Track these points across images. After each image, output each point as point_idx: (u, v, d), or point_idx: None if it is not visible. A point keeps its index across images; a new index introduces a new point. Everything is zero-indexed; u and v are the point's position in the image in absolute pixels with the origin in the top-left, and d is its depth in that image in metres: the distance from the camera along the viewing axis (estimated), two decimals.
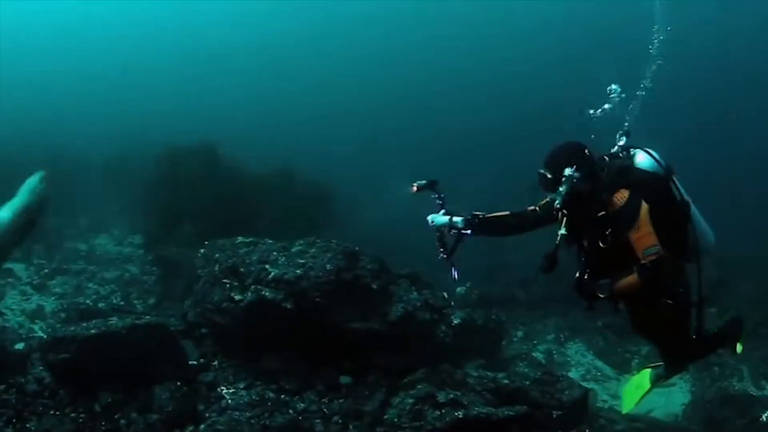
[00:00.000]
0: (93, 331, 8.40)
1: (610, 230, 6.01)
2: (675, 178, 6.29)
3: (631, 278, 5.93)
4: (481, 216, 6.64)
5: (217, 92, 49.34)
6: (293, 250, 9.64)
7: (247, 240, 10.08)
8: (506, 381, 9.06)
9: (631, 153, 6.38)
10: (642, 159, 6.25)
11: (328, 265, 9.26)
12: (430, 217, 6.68)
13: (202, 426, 7.88)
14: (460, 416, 7.91)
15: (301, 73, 55.84)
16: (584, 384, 14.32)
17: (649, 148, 6.39)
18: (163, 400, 8.17)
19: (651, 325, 6.58)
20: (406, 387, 8.51)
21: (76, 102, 37.23)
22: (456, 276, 6.77)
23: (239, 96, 48.68)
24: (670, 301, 6.16)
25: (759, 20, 45.40)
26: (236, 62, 57.44)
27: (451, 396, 8.17)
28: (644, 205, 6.01)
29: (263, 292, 8.98)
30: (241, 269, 9.41)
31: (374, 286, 9.60)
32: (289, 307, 8.92)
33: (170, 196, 15.38)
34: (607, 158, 6.34)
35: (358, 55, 58.04)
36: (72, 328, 8.69)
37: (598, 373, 15.92)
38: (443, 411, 7.96)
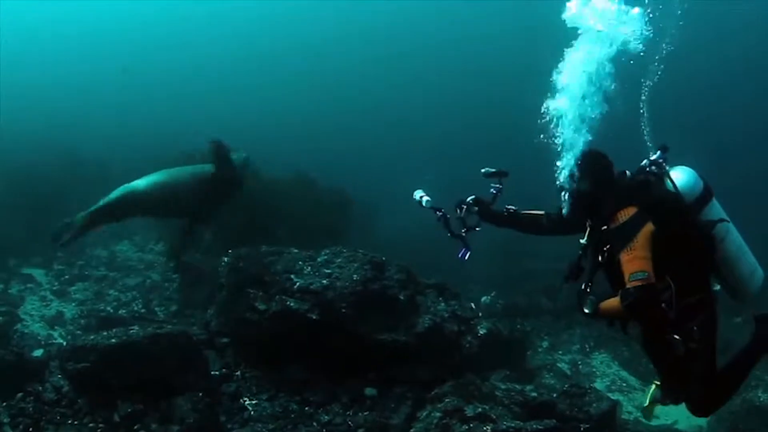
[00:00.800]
0: (113, 340, 8.28)
1: (607, 246, 5.75)
2: (712, 203, 5.91)
3: (614, 302, 5.56)
4: (512, 210, 6.67)
5: (232, 97, 49.44)
6: (319, 259, 9.56)
7: (272, 249, 9.96)
8: (534, 394, 8.96)
9: (666, 169, 5.98)
10: (677, 176, 5.85)
11: (355, 276, 9.18)
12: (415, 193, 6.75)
13: None
14: (489, 431, 7.80)
15: (318, 77, 55.99)
16: (610, 395, 14.32)
17: (688, 164, 6.01)
18: (184, 411, 8.01)
19: (657, 357, 6.15)
20: (433, 400, 8.42)
21: (93, 106, 37.25)
22: (464, 256, 6.69)
23: (254, 101, 48.82)
24: (677, 337, 5.67)
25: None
26: (250, 67, 57.60)
27: (479, 410, 8.04)
28: (648, 227, 5.61)
29: (288, 303, 8.91)
30: (266, 278, 9.32)
31: (401, 297, 9.50)
32: (314, 317, 8.86)
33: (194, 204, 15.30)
34: (628, 173, 6.08)
35: (373, 57, 58.07)
36: (92, 337, 8.54)
37: (624, 384, 15.81)
38: (471, 425, 7.85)
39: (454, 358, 9.88)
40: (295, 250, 9.94)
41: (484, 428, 7.85)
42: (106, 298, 14.55)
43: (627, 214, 5.61)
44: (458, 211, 6.73)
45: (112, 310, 13.38)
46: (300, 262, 9.46)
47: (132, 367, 8.21)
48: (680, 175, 5.87)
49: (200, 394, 8.31)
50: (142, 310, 13.68)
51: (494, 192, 6.66)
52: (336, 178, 18.78)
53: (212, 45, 60.66)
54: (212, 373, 9.25)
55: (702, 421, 13.83)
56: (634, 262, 5.46)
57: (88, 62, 51.43)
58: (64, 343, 9.81)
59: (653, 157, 6.13)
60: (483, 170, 6.67)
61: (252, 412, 8.56)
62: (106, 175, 22.45)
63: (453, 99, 48.50)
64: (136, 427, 7.80)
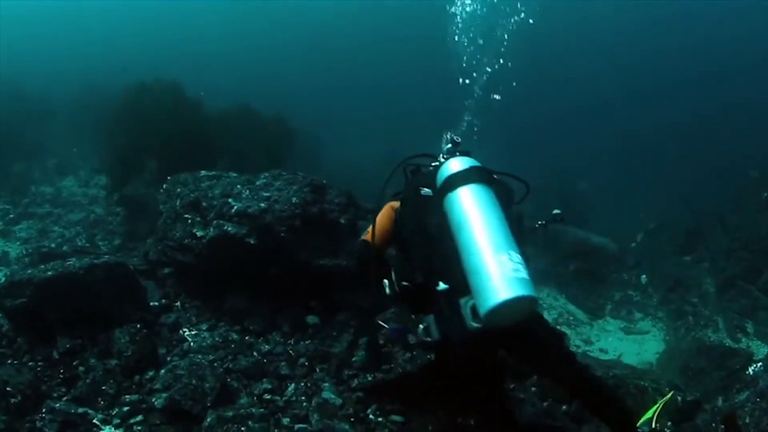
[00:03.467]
0: (50, 273, 8.00)
1: None
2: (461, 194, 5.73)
3: None
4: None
5: (184, 32, 49.66)
6: (258, 183, 9.25)
7: (211, 173, 9.68)
8: None
9: (446, 159, 6.19)
10: (450, 164, 5.95)
11: (294, 198, 8.91)
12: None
13: (162, 371, 7.49)
14: (431, 359, 7.64)
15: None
16: (557, 328, 14.29)
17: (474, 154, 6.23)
18: (122, 344, 7.75)
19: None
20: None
21: (37, 42, 36.89)
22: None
23: (205, 36, 49.08)
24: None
25: None
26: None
27: None
28: (393, 203, 6.40)
29: (226, 227, 8.61)
30: (204, 204, 9.03)
31: (342, 221, 9.24)
32: (252, 242, 8.57)
33: (135, 134, 15.18)
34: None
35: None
36: (29, 272, 8.23)
37: (571, 318, 16.01)
38: (414, 353, 7.75)
39: None
40: (234, 174, 9.64)
41: (428, 356, 7.71)
42: (50, 235, 14.41)
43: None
44: None
45: (55, 247, 13.09)
46: (238, 186, 9.15)
47: (69, 299, 7.96)
48: (453, 164, 5.95)
49: (138, 325, 8.04)
50: (86, 245, 13.44)
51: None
52: (287, 113, 18.86)
53: None
54: (151, 304, 9.04)
55: (651, 357, 13.86)
56: (367, 228, 6.33)
57: None
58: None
59: (447, 150, 6.43)
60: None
61: (192, 343, 8.31)
62: (53, 110, 22.43)
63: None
64: (75, 363, 7.55)
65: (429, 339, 5.71)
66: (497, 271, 5.10)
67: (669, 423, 8.25)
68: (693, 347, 13.78)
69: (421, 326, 5.76)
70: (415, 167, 6.52)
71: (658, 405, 6.08)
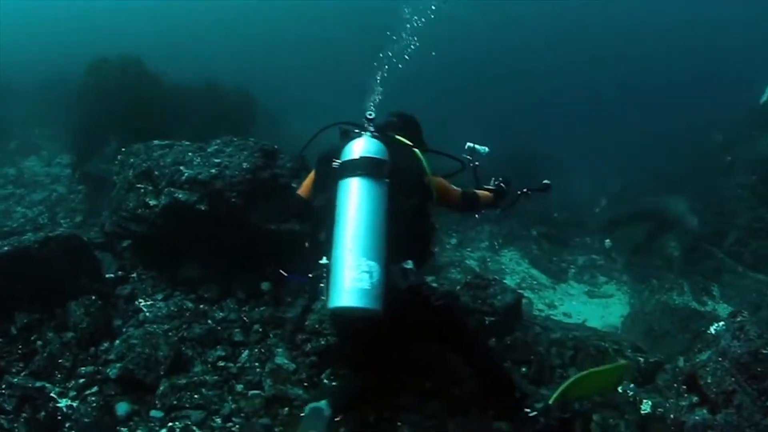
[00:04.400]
0: (6, 248, 7.90)
1: None
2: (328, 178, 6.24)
3: None
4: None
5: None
6: (209, 149, 9.21)
7: (163, 143, 9.57)
8: (434, 285, 8.77)
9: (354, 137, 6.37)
10: (352, 147, 6.15)
11: (245, 164, 8.86)
12: None
13: (117, 341, 7.51)
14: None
15: None
16: (520, 292, 14.36)
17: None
18: (77, 316, 7.76)
19: None
20: None
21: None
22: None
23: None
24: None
25: None
26: None
27: None
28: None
29: (177, 195, 8.55)
30: (156, 173, 8.95)
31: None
32: (203, 208, 8.53)
33: (96, 110, 15.17)
34: None
35: None
36: None
37: (534, 282, 16.09)
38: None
39: None
40: (187, 143, 9.58)
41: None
42: (13, 216, 14.39)
43: None
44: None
45: (17, 226, 13.09)
46: (190, 153, 9.09)
47: (25, 274, 7.91)
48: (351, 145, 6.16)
49: (93, 297, 8.04)
50: (48, 224, 13.46)
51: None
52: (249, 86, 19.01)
53: None
54: (108, 276, 9.00)
55: (616, 321, 13.93)
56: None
57: None
58: None
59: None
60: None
61: (147, 314, 8.31)
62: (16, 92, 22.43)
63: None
64: (33, 338, 7.53)
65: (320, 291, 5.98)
66: (342, 277, 5.52)
67: (632, 385, 8.28)
68: (657, 310, 13.86)
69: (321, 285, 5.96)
70: (344, 130, 6.63)
71: (564, 384, 6.54)
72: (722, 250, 16.36)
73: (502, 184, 7.62)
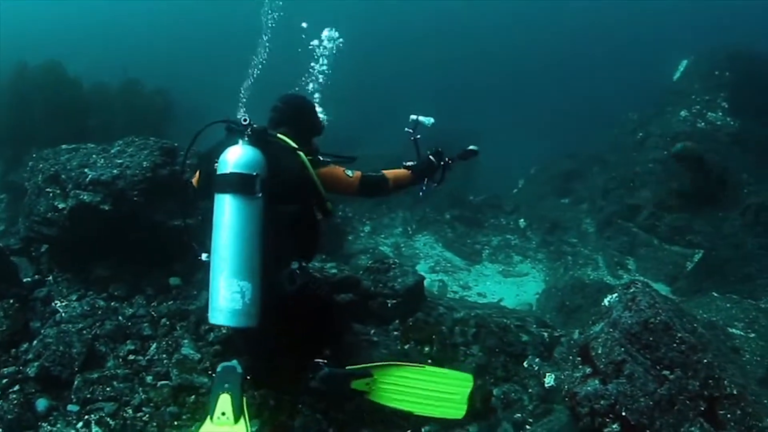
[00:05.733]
0: None
1: None
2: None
3: None
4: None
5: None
6: (113, 151, 9.47)
7: (70, 147, 9.83)
8: (334, 271, 9.05)
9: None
10: (226, 156, 6.11)
11: (145, 162, 9.14)
12: None
13: (35, 342, 7.79)
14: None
15: None
16: (433, 276, 14.56)
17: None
18: None
19: None
20: None
21: None
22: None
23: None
24: None
25: None
26: None
27: None
28: None
29: (82, 197, 8.81)
30: (62, 176, 9.19)
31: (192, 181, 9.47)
32: (107, 209, 8.80)
33: (18, 118, 15.26)
34: None
35: None
36: None
37: (448, 264, 16.20)
38: None
39: None
40: (92, 145, 9.84)
41: None
42: None
43: None
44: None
45: None
46: (94, 156, 9.34)
47: None
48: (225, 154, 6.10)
49: (11, 301, 8.24)
50: None
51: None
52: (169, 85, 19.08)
53: None
54: (26, 279, 9.22)
55: (531, 299, 14.22)
56: None
57: None
58: None
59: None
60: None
61: (63, 314, 8.54)
62: None
63: None
64: None
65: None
66: (217, 294, 5.80)
67: (537, 360, 8.62)
68: (569, 285, 14.17)
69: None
70: (228, 128, 6.52)
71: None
72: (636, 224, 16.68)
73: (431, 157, 7.67)
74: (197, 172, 7.05)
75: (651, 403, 6.38)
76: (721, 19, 41.88)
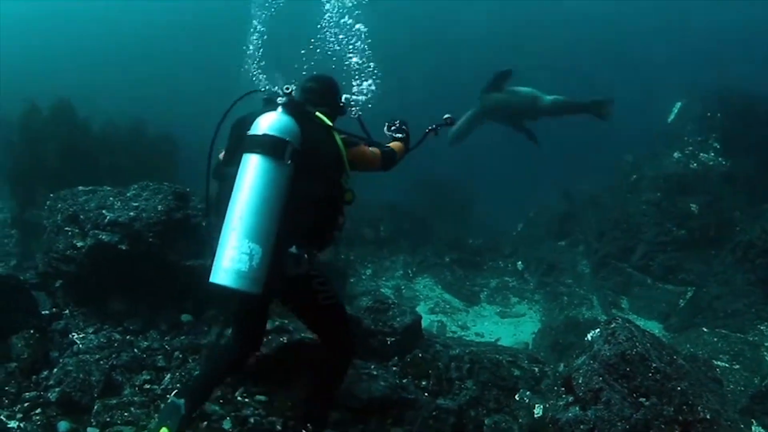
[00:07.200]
0: None
1: None
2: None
3: None
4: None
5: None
6: (128, 194, 10.00)
7: (87, 189, 10.32)
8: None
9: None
10: (260, 121, 6.04)
11: (160, 206, 9.66)
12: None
13: (55, 369, 8.31)
14: (285, 341, 8.45)
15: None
16: (433, 316, 14.95)
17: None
18: (19, 348, 8.52)
19: None
20: None
21: None
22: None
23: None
24: None
25: None
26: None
27: (277, 323, 8.66)
28: None
29: (101, 236, 9.37)
30: (81, 216, 9.72)
31: (204, 224, 9.96)
32: (125, 248, 9.33)
33: (29, 159, 15.63)
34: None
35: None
36: None
37: (447, 306, 16.47)
38: (269, 337, 8.42)
39: None
40: (108, 188, 10.35)
41: (281, 339, 8.50)
42: None
43: None
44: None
45: None
46: (111, 198, 9.88)
47: None
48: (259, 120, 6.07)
49: (32, 331, 8.79)
50: None
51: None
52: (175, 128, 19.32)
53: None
54: (43, 312, 9.67)
55: (528, 338, 14.57)
56: None
57: None
58: None
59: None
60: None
61: (80, 345, 9.02)
62: None
63: None
64: None
65: None
66: (224, 253, 5.60)
67: (528, 393, 9.10)
68: (563, 324, 14.59)
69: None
70: (267, 99, 6.46)
71: None
72: (630, 264, 17.16)
73: (404, 127, 7.67)
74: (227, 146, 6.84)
75: (627, 427, 6.89)
76: (713, 59, 42.24)
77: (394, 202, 21.56)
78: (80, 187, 10.44)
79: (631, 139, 25.33)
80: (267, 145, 5.76)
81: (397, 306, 9.75)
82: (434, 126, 7.88)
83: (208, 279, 5.71)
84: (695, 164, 19.09)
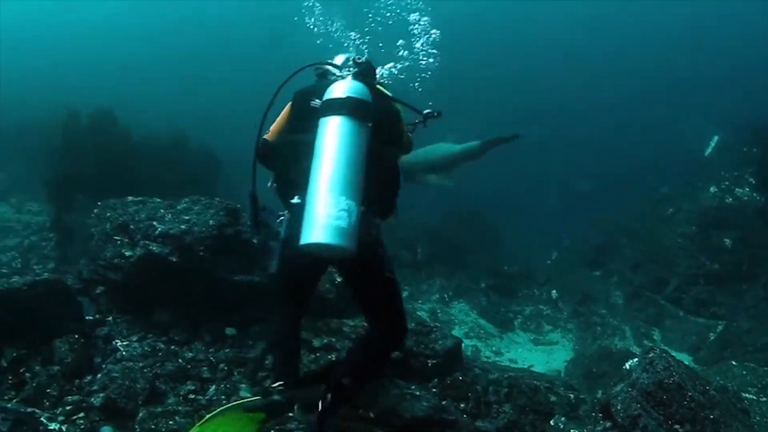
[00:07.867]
0: None
1: None
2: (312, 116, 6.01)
3: None
4: None
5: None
6: (179, 207, 10.09)
7: (137, 199, 10.41)
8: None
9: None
10: (335, 87, 6.03)
11: (211, 221, 9.76)
12: None
13: (99, 375, 8.42)
14: (333, 359, 8.53)
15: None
16: (467, 341, 14.98)
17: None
18: (62, 352, 8.59)
19: None
20: None
21: None
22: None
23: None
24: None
25: None
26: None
27: (325, 341, 8.78)
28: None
29: (151, 247, 9.45)
30: (131, 226, 9.82)
31: (255, 241, 10.17)
32: (175, 260, 9.41)
33: (68, 166, 15.71)
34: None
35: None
36: None
37: (481, 331, 16.48)
38: (317, 355, 8.58)
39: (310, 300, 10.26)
40: (158, 200, 10.42)
41: (329, 356, 8.60)
42: None
43: None
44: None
45: None
46: (162, 210, 9.98)
47: (13, 313, 8.61)
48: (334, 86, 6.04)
49: (76, 336, 8.89)
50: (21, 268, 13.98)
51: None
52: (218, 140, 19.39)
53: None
54: (87, 318, 9.73)
55: (560, 366, 14.57)
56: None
57: None
58: None
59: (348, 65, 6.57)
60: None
61: (124, 353, 9.08)
62: None
63: None
64: (21, 370, 8.32)
65: (279, 232, 6.18)
66: (319, 212, 5.37)
67: (563, 418, 9.16)
68: (597, 353, 14.62)
69: (280, 218, 6.22)
70: (322, 71, 6.62)
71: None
72: (663, 296, 17.23)
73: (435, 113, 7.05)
74: (283, 113, 6.72)
75: None
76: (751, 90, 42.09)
77: (430, 226, 21.58)
78: (130, 198, 10.54)
79: (657, 165, 25.34)
80: (351, 107, 5.76)
81: (439, 329, 9.81)
82: (420, 120, 7.22)
83: (296, 243, 5.55)
84: (731, 199, 19.11)
